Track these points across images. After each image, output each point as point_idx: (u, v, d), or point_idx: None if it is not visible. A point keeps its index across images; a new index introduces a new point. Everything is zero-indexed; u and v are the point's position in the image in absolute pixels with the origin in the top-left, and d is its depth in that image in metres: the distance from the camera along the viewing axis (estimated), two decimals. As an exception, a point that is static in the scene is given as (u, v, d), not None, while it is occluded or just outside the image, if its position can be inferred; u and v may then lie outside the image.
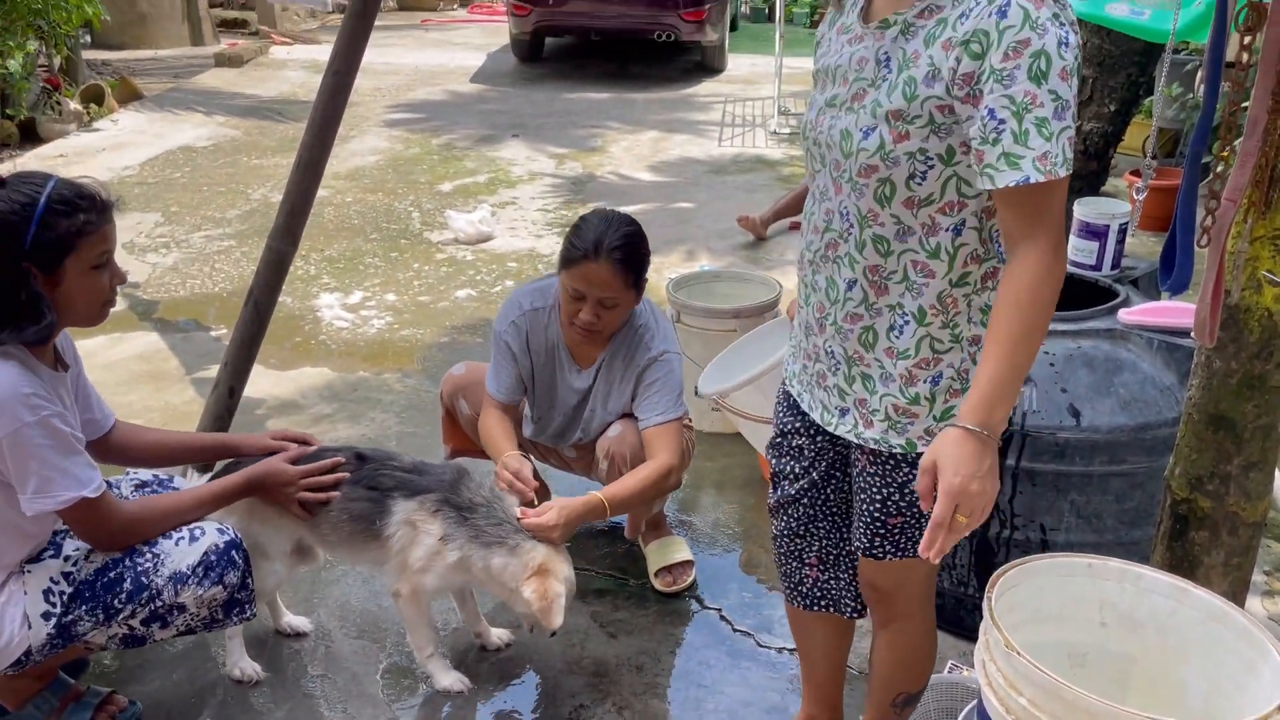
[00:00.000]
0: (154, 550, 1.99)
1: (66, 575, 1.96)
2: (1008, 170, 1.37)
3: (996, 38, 1.38)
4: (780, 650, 2.45)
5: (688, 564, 2.69)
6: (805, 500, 1.83)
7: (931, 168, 1.48)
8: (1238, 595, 1.73)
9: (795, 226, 5.30)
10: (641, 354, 2.47)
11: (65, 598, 1.94)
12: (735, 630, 2.53)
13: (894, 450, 1.64)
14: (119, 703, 2.18)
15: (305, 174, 2.58)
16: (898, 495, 1.68)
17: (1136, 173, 5.48)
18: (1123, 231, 2.66)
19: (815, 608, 1.92)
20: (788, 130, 7.47)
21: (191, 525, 2.04)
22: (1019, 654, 1.35)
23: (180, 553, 1.99)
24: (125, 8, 9.67)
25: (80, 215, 1.81)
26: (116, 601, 1.95)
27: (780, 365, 2.02)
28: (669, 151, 7.01)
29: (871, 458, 1.68)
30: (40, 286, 1.80)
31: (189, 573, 1.98)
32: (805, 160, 1.67)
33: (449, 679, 2.28)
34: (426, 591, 2.21)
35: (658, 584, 2.65)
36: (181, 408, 3.53)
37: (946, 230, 1.53)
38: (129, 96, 7.84)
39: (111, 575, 1.96)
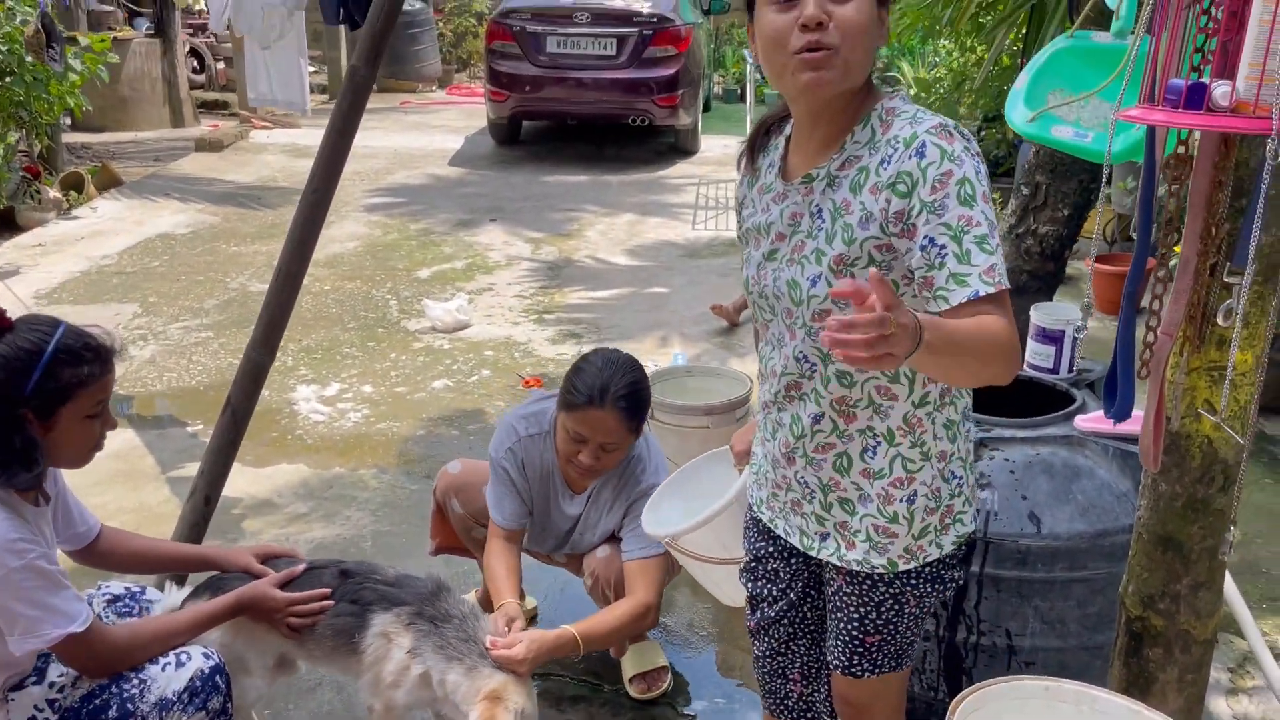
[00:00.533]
0: (140, 676, 1.99)
1: (51, 703, 1.96)
2: (958, 289, 1.44)
3: (920, 175, 1.48)
4: (754, 757, 2.46)
5: (663, 670, 2.71)
6: (785, 620, 1.88)
7: None
8: (1192, 710, 1.78)
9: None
10: (632, 486, 2.52)
11: None
12: (709, 737, 2.54)
13: (876, 570, 1.69)
14: None
15: (284, 286, 2.64)
16: (875, 614, 1.73)
17: (1100, 258, 5.65)
18: (1078, 335, 2.75)
19: None
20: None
21: (177, 649, 2.06)
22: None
23: (166, 678, 1.99)
24: (106, 92, 9.80)
25: (84, 367, 1.86)
26: None
27: (729, 506, 2.06)
28: (644, 235, 7.13)
29: (849, 578, 1.73)
30: (34, 432, 1.84)
31: (174, 699, 1.98)
32: (754, 312, 1.74)
33: (423, 795, 2.28)
34: (399, 707, 2.21)
35: (633, 691, 2.66)
36: (157, 508, 3.54)
37: None
38: (109, 183, 7.92)
39: (97, 702, 1.96)
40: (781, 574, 1.84)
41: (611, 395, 2.35)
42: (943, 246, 1.45)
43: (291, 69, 5.92)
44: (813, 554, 1.74)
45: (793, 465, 1.71)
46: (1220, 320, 1.58)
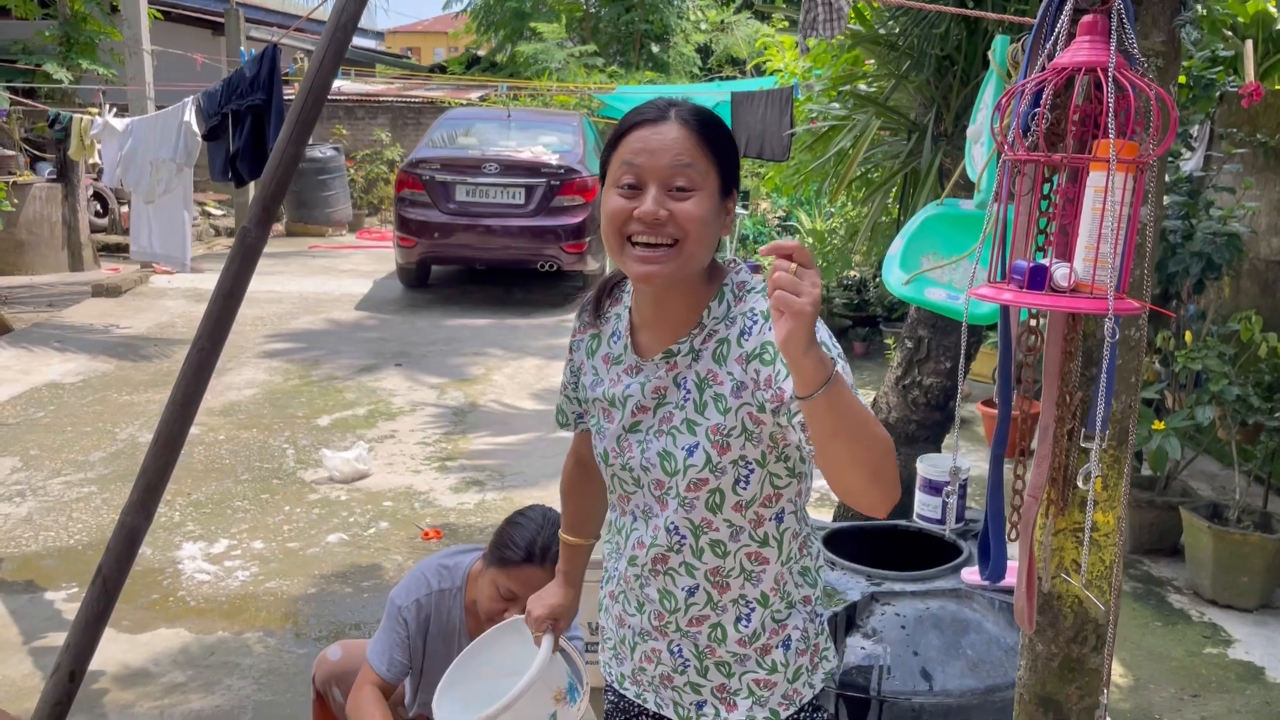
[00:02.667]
0: None
1: None
2: None
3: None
4: None
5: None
6: None
7: (752, 472, 1.58)
8: None
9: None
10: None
11: None
12: None
13: None
14: None
15: (164, 450, 2.56)
16: None
17: (989, 402, 5.85)
18: (963, 487, 2.83)
19: None
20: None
21: None
22: None
23: None
24: (3, 236, 9.63)
25: None
26: None
27: (532, 686, 1.85)
28: (551, 379, 7.15)
29: None
30: None
31: None
32: (611, 484, 1.71)
33: None
34: None
35: None
36: (20, 683, 3.30)
37: (770, 520, 1.63)
38: (-3, 330, 7.69)
39: None
40: None
41: (551, 555, 2.29)
42: None
43: (175, 223, 5.88)
44: None
45: (665, 638, 1.68)
46: (1080, 484, 1.64)
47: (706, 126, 1.56)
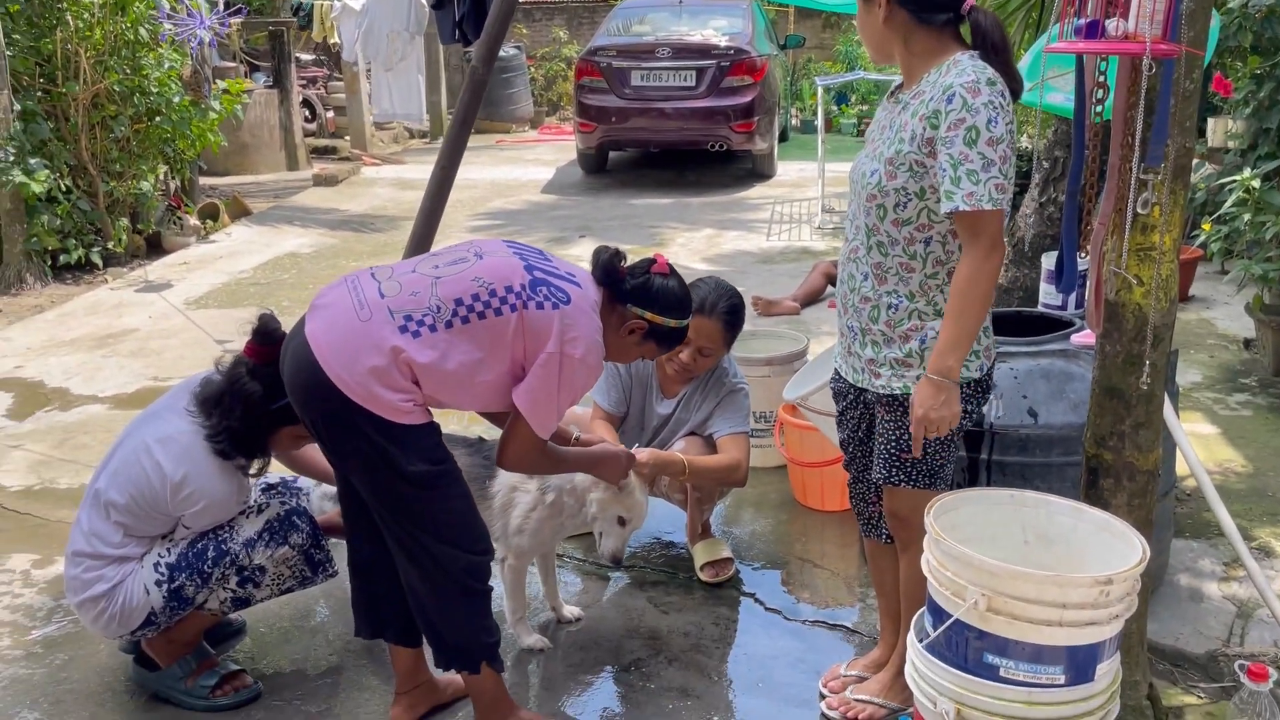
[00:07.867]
0: (232, 523, 2.52)
1: (168, 550, 2.48)
2: (946, 202, 2.06)
3: (944, 115, 2.06)
4: (804, 623, 2.95)
5: (729, 560, 3.21)
6: (859, 455, 2.45)
7: (910, 200, 2.15)
8: (1141, 530, 2.22)
9: (833, 305, 5.88)
10: (719, 388, 3.11)
11: (168, 568, 2.45)
12: (767, 610, 3.03)
13: (895, 393, 2.23)
14: (244, 681, 2.62)
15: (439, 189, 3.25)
16: (906, 435, 2.25)
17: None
18: (1083, 277, 3.20)
19: (885, 540, 2.48)
20: (831, 225, 8.12)
21: (260, 502, 2.58)
22: (943, 538, 1.88)
23: (250, 524, 2.54)
24: (229, 138, 10.77)
25: None
26: (205, 566, 2.47)
27: None
28: (722, 246, 7.69)
29: (887, 406, 2.27)
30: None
31: (256, 537, 2.52)
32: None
33: (532, 639, 2.82)
34: (525, 554, 2.76)
35: (703, 576, 3.17)
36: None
37: (920, 242, 2.18)
38: (239, 213, 8.82)
39: (199, 545, 2.48)
40: (852, 416, 2.43)
41: (719, 309, 2.96)
42: (944, 170, 2.06)
43: (411, 86, 6.69)
44: (860, 386, 2.31)
45: (848, 314, 2.31)
46: (1140, 209, 2.06)
47: None
